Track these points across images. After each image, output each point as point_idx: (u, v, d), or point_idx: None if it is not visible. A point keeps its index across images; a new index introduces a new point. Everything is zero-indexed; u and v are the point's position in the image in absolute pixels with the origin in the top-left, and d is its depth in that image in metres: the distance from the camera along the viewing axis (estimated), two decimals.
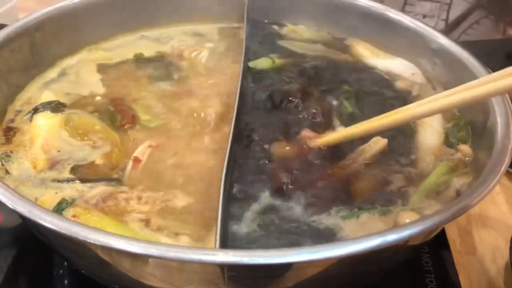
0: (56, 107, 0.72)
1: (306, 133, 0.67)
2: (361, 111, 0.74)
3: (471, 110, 0.72)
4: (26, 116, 0.71)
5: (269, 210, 0.57)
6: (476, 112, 0.70)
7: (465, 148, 0.67)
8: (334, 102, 0.75)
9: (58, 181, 0.61)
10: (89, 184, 0.60)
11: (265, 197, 0.59)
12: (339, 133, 0.67)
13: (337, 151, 0.65)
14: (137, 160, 0.64)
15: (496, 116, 0.62)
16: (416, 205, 0.59)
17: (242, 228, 0.55)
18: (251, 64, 0.81)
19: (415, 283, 0.69)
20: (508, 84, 0.48)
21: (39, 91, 0.76)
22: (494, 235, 0.81)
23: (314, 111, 0.71)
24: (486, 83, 0.51)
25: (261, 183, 0.60)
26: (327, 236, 0.55)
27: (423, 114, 0.57)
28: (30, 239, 0.70)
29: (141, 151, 0.65)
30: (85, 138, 0.67)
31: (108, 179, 0.61)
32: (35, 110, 0.71)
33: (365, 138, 0.65)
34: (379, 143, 0.65)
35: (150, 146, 0.66)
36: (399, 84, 0.81)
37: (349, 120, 0.71)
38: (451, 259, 0.73)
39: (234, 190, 0.59)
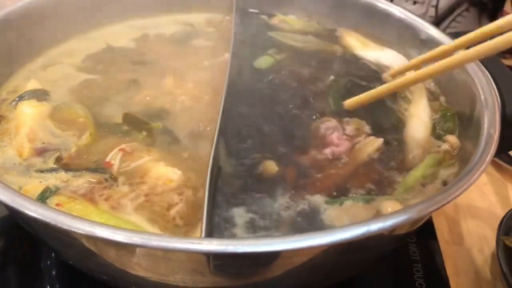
0: (41, 95, 0.71)
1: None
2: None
3: (459, 100, 0.72)
4: (11, 104, 0.70)
5: (255, 195, 0.57)
6: (463, 102, 0.70)
7: (452, 139, 0.67)
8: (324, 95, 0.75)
9: (42, 171, 0.60)
10: (73, 174, 0.60)
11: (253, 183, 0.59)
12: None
13: None
14: (108, 165, 0.62)
15: (483, 105, 0.63)
16: (401, 195, 0.59)
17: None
18: (256, 64, 0.81)
19: (402, 272, 0.70)
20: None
21: (26, 80, 0.76)
22: (482, 225, 0.82)
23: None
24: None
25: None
26: (310, 221, 0.55)
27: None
28: (17, 230, 0.70)
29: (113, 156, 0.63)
30: (70, 129, 0.66)
31: (93, 169, 0.60)
32: (20, 98, 0.70)
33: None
34: (375, 143, 0.65)
35: (121, 150, 0.63)
36: (387, 76, 0.81)
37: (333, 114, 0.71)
38: (438, 249, 0.74)
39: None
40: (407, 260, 0.70)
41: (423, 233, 0.75)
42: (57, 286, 0.68)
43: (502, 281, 0.69)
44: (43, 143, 0.64)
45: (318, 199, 0.57)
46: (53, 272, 0.69)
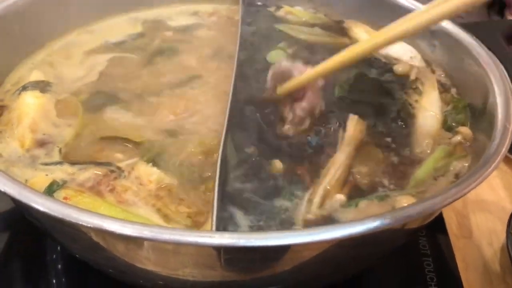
0: (44, 87, 0.70)
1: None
2: (355, 95, 0.72)
3: (471, 92, 0.71)
4: (14, 93, 0.69)
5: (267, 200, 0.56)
6: (475, 94, 0.69)
7: (465, 130, 0.66)
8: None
9: (48, 164, 0.59)
10: (79, 167, 0.59)
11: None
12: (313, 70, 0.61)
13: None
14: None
15: (496, 97, 0.61)
16: (414, 189, 0.58)
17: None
18: (268, 58, 0.79)
19: (413, 266, 0.69)
20: None
21: (29, 71, 0.75)
22: (491, 219, 0.81)
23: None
24: None
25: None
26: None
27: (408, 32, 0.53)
28: (22, 223, 0.69)
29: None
30: (67, 122, 0.66)
31: (98, 162, 0.59)
32: (24, 88, 0.69)
33: None
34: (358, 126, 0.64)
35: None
36: (398, 68, 0.79)
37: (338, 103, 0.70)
38: (448, 242, 0.73)
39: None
40: (417, 254, 0.69)
41: (433, 227, 0.74)
42: (63, 279, 0.67)
43: None
44: (44, 134, 0.63)
45: (333, 204, 0.56)
46: (59, 266, 0.68)
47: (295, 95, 0.63)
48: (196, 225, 0.53)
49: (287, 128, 0.63)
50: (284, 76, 0.63)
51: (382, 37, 0.55)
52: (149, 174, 0.58)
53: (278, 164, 0.59)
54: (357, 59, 0.58)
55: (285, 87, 0.63)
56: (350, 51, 0.57)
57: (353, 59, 0.57)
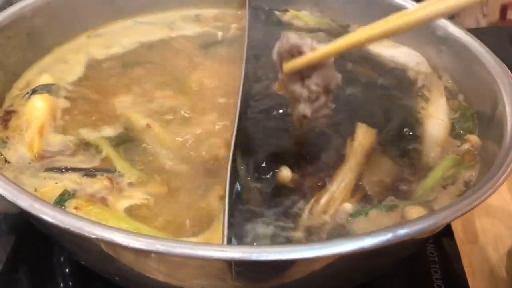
0: (54, 90, 0.71)
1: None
2: (363, 103, 0.72)
3: (478, 98, 0.70)
4: (24, 97, 0.69)
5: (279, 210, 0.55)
6: (483, 100, 0.68)
7: (474, 138, 0.66)
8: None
9: (55, 170, 0.59)
10: (88, 174, 0.59)
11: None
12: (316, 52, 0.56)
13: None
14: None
15: (506, 105, 0.61)
16: (422, 198, 0.58)
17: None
18: None
19: (421, 274, 0.69)
20: None
21: (38, 75, 0.75)
22: (497, 224, 0.81)
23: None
24: None
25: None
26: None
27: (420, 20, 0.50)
28: (29, 227, 0.69)
29: None
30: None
31: (106, 170, 0.60)
32: (33, 91, 0.69)
33: None
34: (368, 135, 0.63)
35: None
36: (404, 74, 0.79)
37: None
38: (456, 248, 0.73)
39: None
40: (425, 261, 0.69)
41: (441, 233, 0.74)
42: (70, 283, 0.67)
43: None
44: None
45: (343, 214, 0.56)
46: (66, 270, 0.68)
47: (305, 73, 0.56)
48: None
49: (303, 107, 0.56)
50: (292, 52, 0.56)
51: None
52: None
53: (286, 172, 0.58)
54: (369, 41, 0.54)
55: (292, 65, 0.56)
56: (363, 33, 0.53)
57: (366, 40, 0.53)
